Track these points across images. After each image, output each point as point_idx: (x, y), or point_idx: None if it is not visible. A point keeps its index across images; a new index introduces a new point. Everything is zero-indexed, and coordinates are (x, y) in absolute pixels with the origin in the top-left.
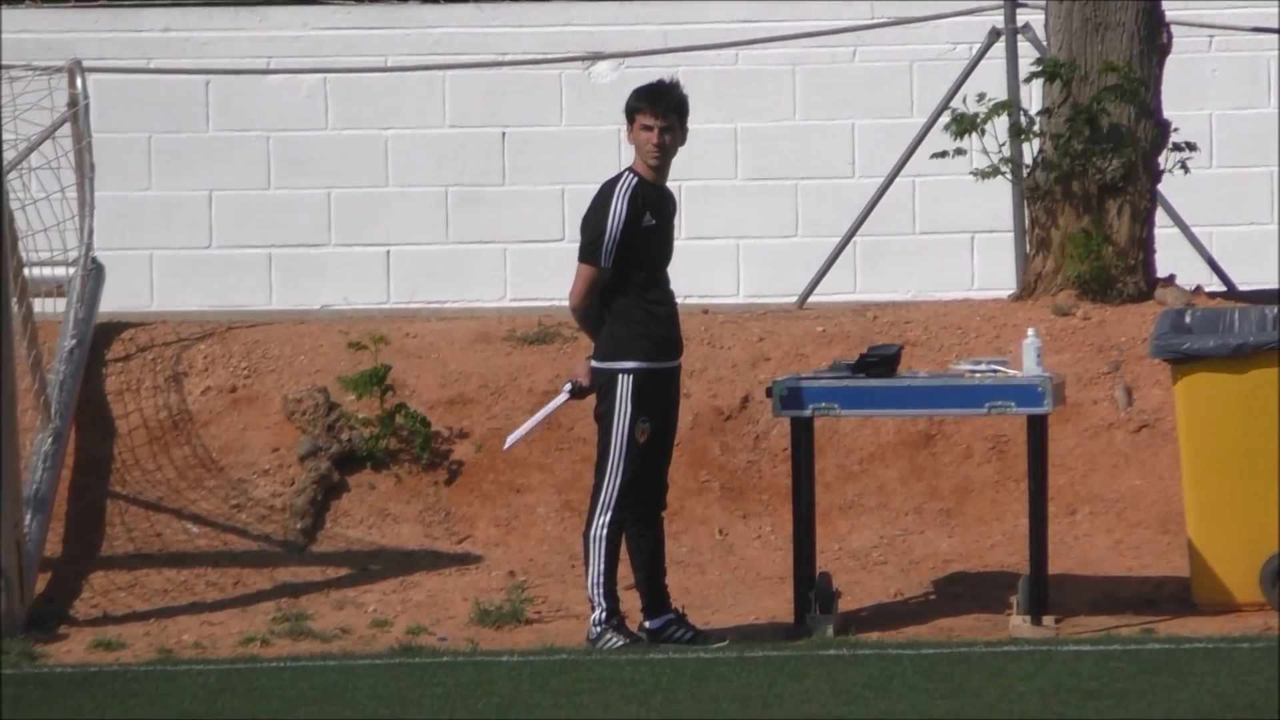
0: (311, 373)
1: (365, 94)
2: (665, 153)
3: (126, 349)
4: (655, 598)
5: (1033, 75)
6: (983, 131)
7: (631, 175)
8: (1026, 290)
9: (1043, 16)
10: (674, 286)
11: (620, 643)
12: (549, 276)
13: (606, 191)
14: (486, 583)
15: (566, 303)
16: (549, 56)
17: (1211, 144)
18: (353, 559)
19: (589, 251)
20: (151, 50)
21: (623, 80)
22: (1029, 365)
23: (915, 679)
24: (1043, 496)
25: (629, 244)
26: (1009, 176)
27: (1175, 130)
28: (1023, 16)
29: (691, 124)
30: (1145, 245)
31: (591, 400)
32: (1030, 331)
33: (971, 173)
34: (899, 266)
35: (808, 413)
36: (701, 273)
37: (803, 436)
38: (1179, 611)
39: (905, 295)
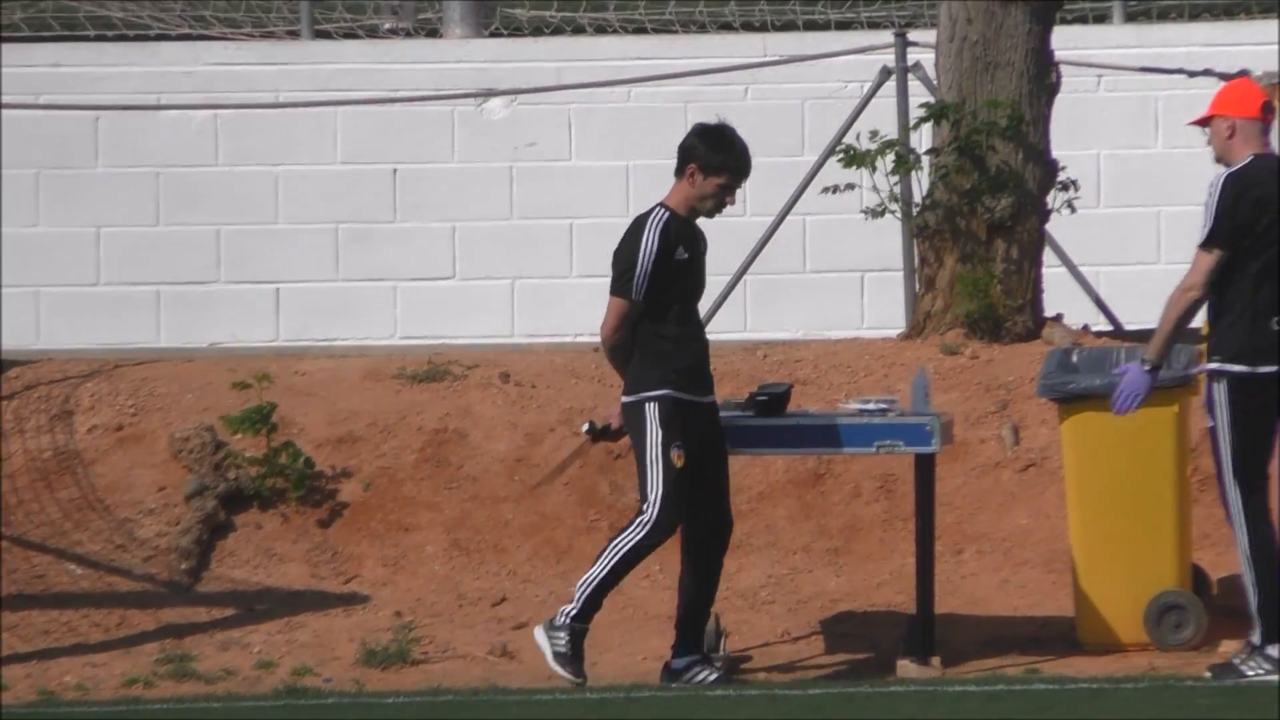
0: (199, 411)
1: (256, 130)
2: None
3: (12, 387)
4: (696, 634)
5: (920, 120)
6: (873, 168)
7: (664, 210)
8: (915, 329)
9: (933, 55)
10: (563, 324)
11: (563, 650)
12: (439, 314)
13: (638, 225)
14: (373, 623)
15: (461, 340)
16: (441, 93)
17: (1099, 184)
18: (238, 599)
19: (620, 284)
20: (41, 86)
21: (515, 117)
22: (917, 404)
23: (801, 718)
24: (930, 536)
25: (661, 277)
26: (898, 215)
27: (1063, 170)
28: (913, 55)
29: (584, 161)
30: (1033, 284)
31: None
32: (919, 370)
33: (862, 211)
34: (789, 305)
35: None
36: (594, 310)
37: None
38: (1064, 651)
39: (795, 334)
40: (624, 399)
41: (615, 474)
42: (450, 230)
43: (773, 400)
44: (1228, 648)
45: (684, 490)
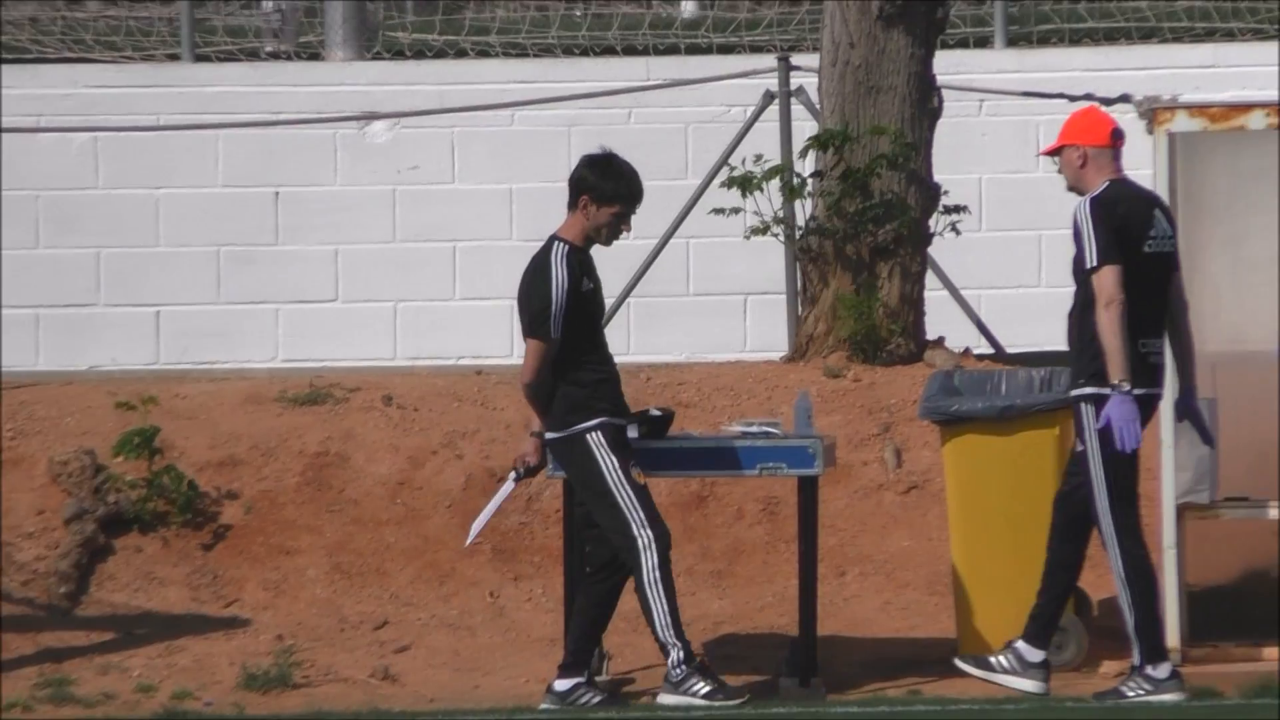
0: (78, 434)
1: (137, 153)
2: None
3: None
4: (586, 656)
5: (806, 148)
6: (760, 189)
7: (563, 243)
8: (798, 352)
9: (816, 79)
10: (445, 347)
11: (706, 688)
12: (321, 337)
13: (543, 262)
14: (254, 646)
15: (343, 363)
16: (323, 116)
17: (981, 207)
18: (118, 623)
19: (537, 326)
20: None
21: (397, 140)
22: (800, 427)
23: None
24: (813, 558)
25: (573, 310)
26: (780, 237)
27: (946, 193)
28: (796, 80)
29: (467, 184)
30: (915, 307)
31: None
32: (802, 393)
33: (745, 235)
34: (673, 328)
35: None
36: (476, 334)
37: (575, 498)
38: (946, 673)
39: (679, 357)
40: (553, 435)
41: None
42: (333, 253)
43: (654, 426)
44: (1109, 668)
45: (650, 498)
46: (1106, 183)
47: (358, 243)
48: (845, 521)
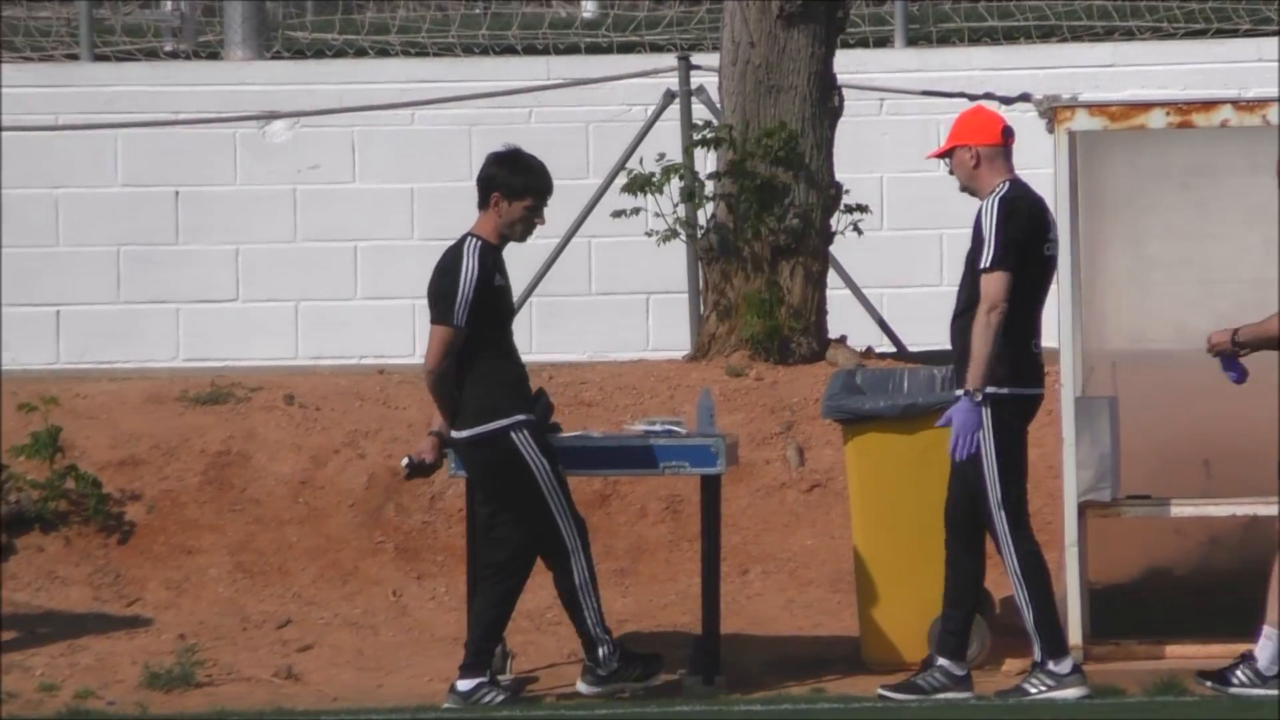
0: None
1: (35, 153)
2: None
3: None
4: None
5: (699, 142)
6: (660, 190)
7: (475, 239)
8: (701, 351)
9: (717, 78)
10: (347, 347)
11: (638, 670)
12: (222, 336)
13: (455, 254)
14: (156, 646)
15: (245, 363)
16: (223, 115)
17: (883, 206)
18: (19, 622)
19: (441, 311)
20: None
21: (298, 140)
22: (703, 426)
23: None
24: (715, 556)
25: (482, 304)
26: (682, 237)
27: (847, 192)
28: (697, 79)
29: (367, 184)
30: (817, 306)
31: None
32: (704, 392)
33: (647, 233)
34: (575, 327)
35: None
36: (378, 333)
37: (476, 497)
38: (849, 670)
39: (581, 356)
40: (464, 434)
41: (401, 496)
42: (233, 252)
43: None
44: (1011, 666)
45: (570, 500)
46: (1007, 183)
47: (258, 242)
48: (748, 520)
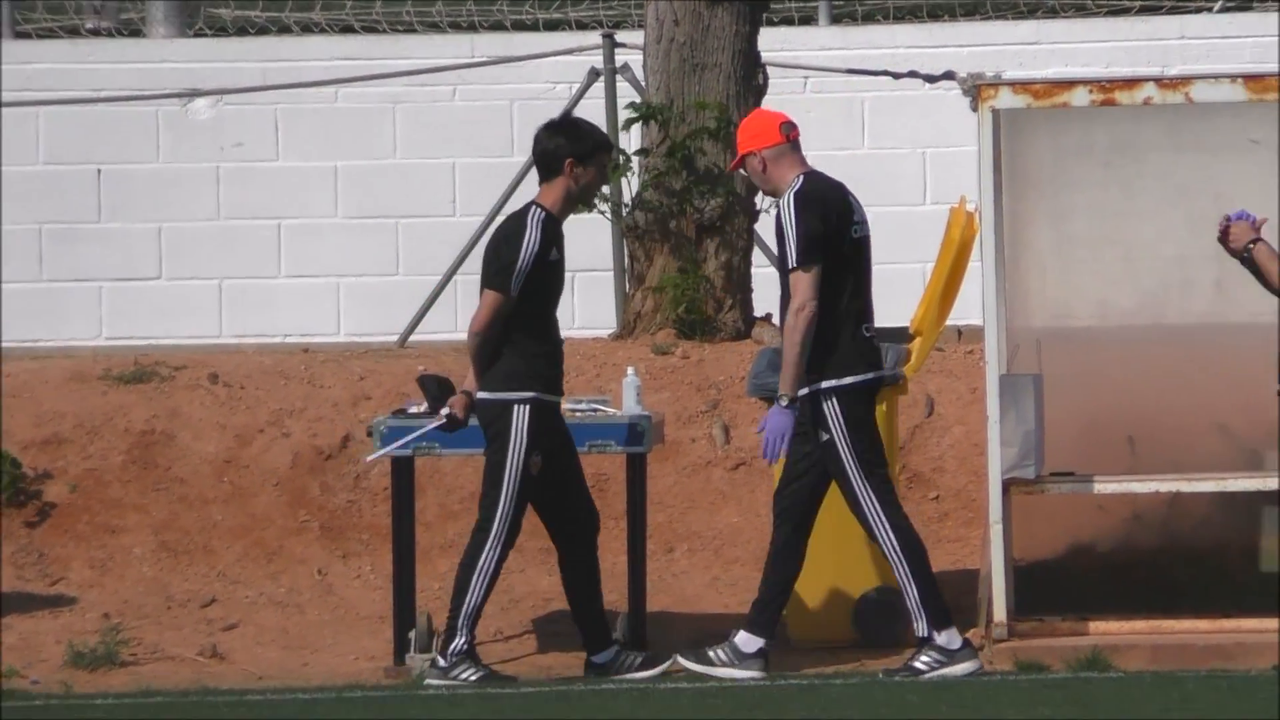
0: None
1: None
2: None
3: None
4: (601, 628)
5: (628, 121)
6: None
7: (540, 209)
8: (626, 329)
9: (641, 57)
10: (271, 325)
11: (478, 674)
12: (145, 315)
13: (518, 222)
14: (81, 625)
15: (169, 341)
16: (145, 93)
17: None
18: None
19: (499, 279)
20: None
21: (221, 117)
22: (629, 404)
23: (514, 716)
24: (642, 534)
25: (535, 276)
26: (608, 215)
27: None
28: (621, 57)
29: (291, 162)
30: (743, 284)
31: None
32: (630, 370)
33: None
34: None
35: (409, 452)
36: (302, 311)
37: (403, 475)
38: (774, 648)
39: None
40: (484, 395)
41: (325, 475)
42: (156, 231)
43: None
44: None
45: (529, 498)
46: (800, 177)
47: (182, 220)
48: (674, 498)
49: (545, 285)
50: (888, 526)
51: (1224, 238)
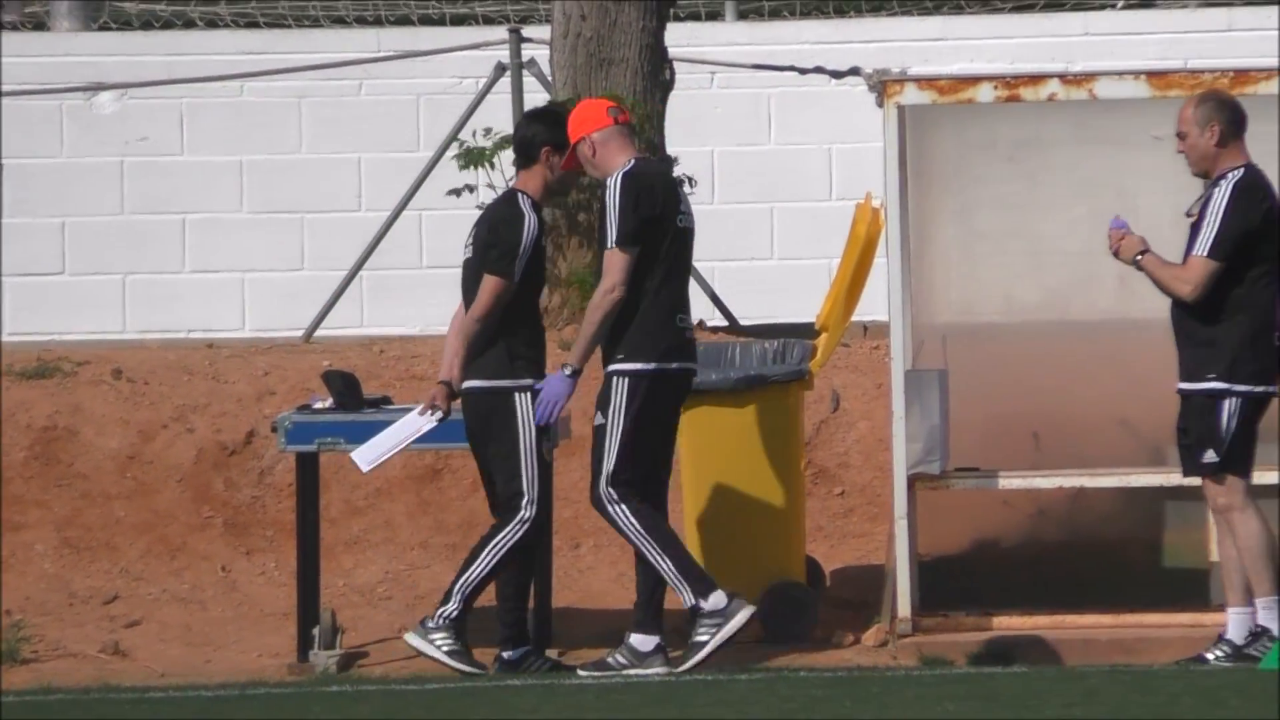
0: None
1: None
2: None
3: None
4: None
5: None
6: (491, 165)
7: (525, 196)
8: None
9: (548, 51)
10: (176, 320)
11: (450, 647)
12: (49, 310)
13: (510, 207)
14: None
15: (72, 336)
16: (49, 87)
17: (714, 180)
18: None
19: (501, 264)
20: None
21: (125, 112)
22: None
23: (420, 713)
24: (547, 530)
25: (531, 262)
26: None
27: (678, 163)
28: (528, 51)
29: (196, 156)
30: None
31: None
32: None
33: (478, 206)
34: (406, 300)
35: (313, 447)
36: (206, 306)
37: (308, 471)
38: (679, 642)
39: (413, 329)
40: (477, 383)
41: (230, 470)
42: (59, 226)
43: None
44: (843, 638)
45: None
46: (631, 160)
47: (85, 215)
48: (580, 493)
49: (537, 271)
50: (626, 513)
51: (1115, 252)
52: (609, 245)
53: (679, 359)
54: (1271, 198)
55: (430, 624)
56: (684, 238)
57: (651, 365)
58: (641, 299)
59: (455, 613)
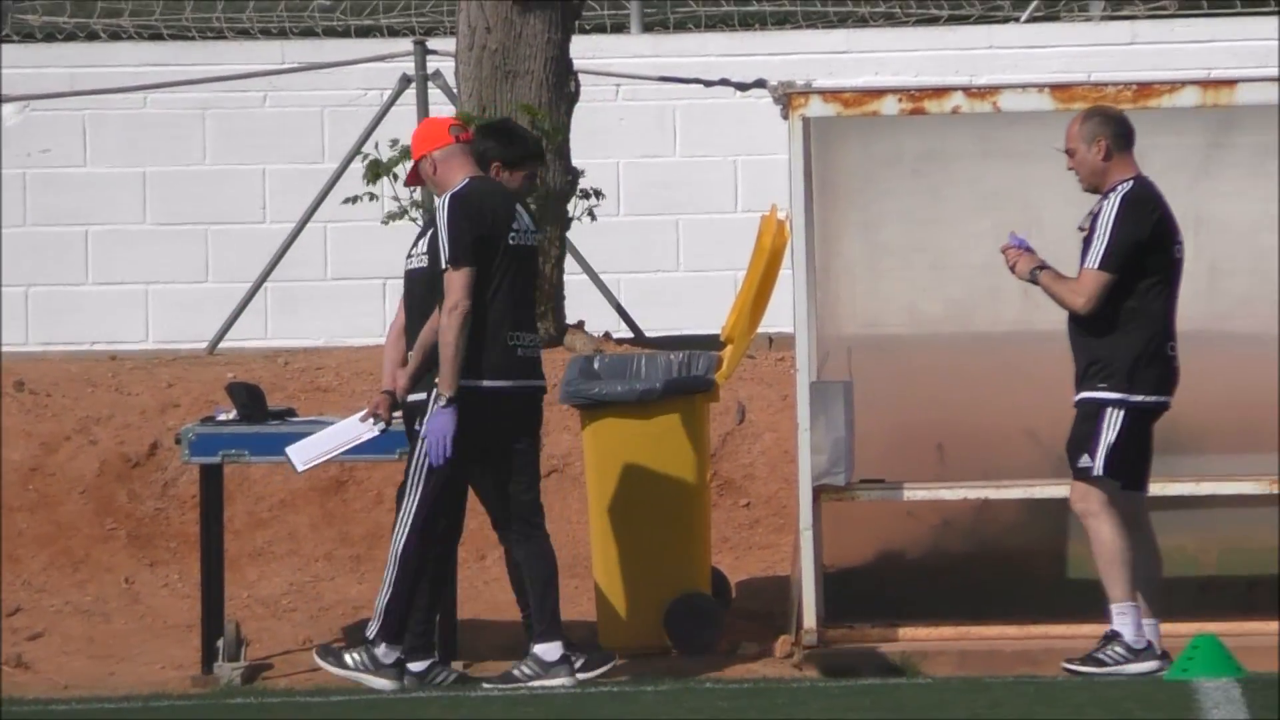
0: None
1: None
2: None
3: None
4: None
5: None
6: (395, 176)
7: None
8: None
9: (453, 64)
10: (78, 332)
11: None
12: None
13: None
14: None
15: None
16: None
17: (619, 192)
18: None
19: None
20: None
21: (28, 124)
22: None
23: None
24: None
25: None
26: (418, 221)
27: (583, 177)
28: (433, 63)
29: (99, 168)
30: (555, 291)
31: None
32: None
33: (383, 219)
34: (311, 312)
35: (217, 459)
36: (110, 318)
37: (212, 483)
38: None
39: (318, 341)
40: (465, 383)
41: (133, 482)
42: None
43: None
44: (749, 649)
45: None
46: (467, 179)
47: None
48: None
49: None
50: (406, 532)
51: (1012, 268)
52: (444, 266)
53: (507, 377)
54: (1161, 208)
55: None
56: (519, 255)
57: (467, 382)
58: (482, 318)
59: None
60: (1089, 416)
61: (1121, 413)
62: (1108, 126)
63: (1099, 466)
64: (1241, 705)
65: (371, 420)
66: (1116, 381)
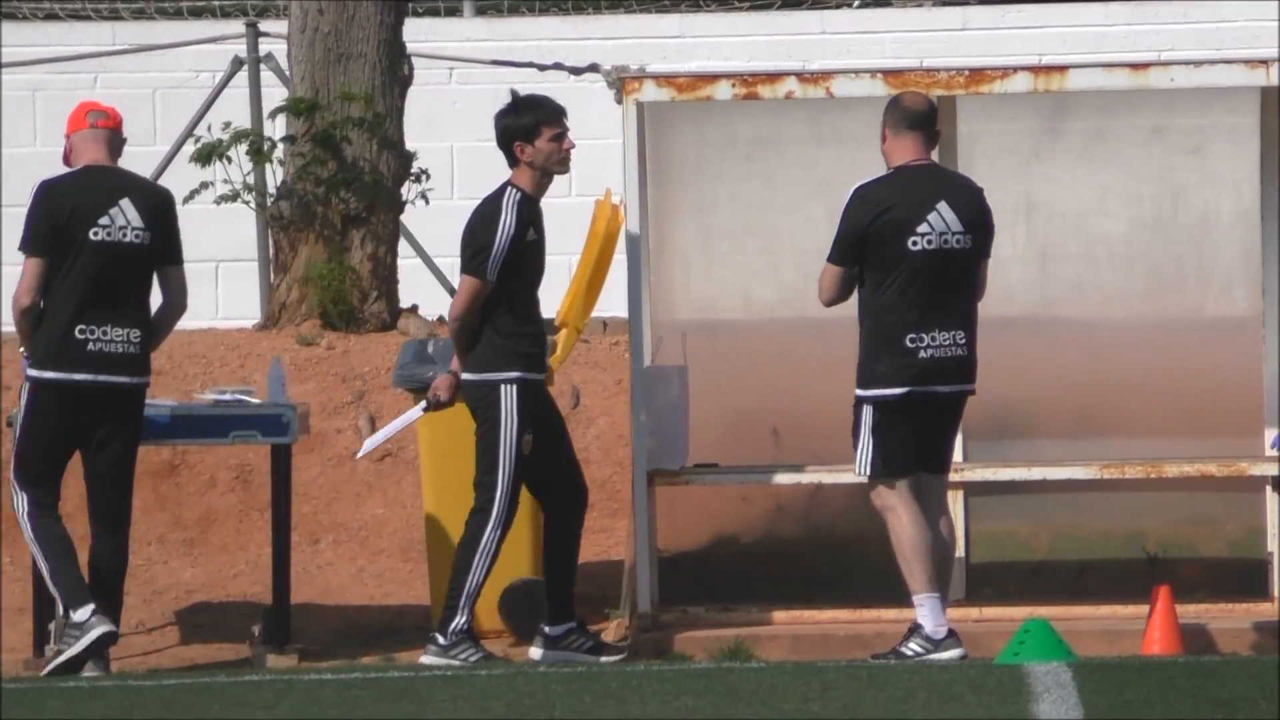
0: None
1: None
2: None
3: None
4: (566, 601)
5: (277, 111)
6: (228, 159)
7: (515, 190)
8: (271, 320)
9: (285, 46)
10: None
11: (477, 655)
12: None
13: (494, 206)
14: None
15: None
16: None
17: (453, 175)
18: None
19: (475, 264)
20: None
21: None
22: (273, 395)
23: (157, 710)
24: (286, 526)
25: (513, 258)
26: (251, 204)
27: (417, 160)
28: (266, 46)
29: None
30: (389, 275)
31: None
32: (274, 361)
33: (216, 200)
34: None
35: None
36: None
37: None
38: (420, 640)
39: None
40: (469, 376)
41: None
42: None
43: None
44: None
45: (524, 477)
46: (81, 167)
47: None
48: (319, 489)
49: (525, 266)
50: (21, 512)
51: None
52: (20, 246)
53: (68, 369)
54: (897, 199)
55: (445, 641)
56: (102, 251)
57: (33, 372)
58: (46, 308)
59: (465, 625)
60: (854, 416)
61: (870, 409)
62: (889, 112)
63: (858, 468)
64: (1072, 689)
65: (423, 402)
66: (860, 378)
